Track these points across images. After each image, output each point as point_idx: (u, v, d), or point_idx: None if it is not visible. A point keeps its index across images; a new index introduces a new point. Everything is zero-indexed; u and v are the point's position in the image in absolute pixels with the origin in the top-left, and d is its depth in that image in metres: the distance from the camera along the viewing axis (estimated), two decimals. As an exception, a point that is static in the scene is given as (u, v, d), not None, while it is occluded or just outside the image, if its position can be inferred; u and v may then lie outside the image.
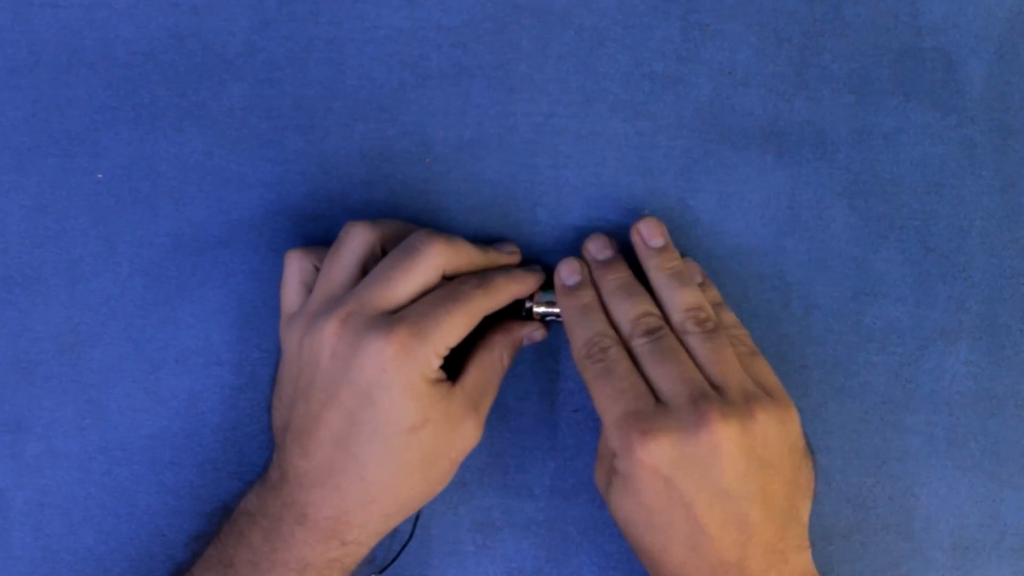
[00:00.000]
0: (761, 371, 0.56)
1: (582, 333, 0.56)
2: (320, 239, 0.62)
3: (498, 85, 0.62)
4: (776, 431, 0.53)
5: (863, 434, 0.63)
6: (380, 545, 0.62)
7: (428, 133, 0.62)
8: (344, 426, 0.53)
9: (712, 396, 0.52)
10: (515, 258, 0.60)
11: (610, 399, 0.53)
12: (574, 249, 0.62)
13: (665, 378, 0.53)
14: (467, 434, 0.55)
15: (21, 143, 0.62)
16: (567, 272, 0.59)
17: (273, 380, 0.60)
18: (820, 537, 0.63)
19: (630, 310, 0.56)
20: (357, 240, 0.56)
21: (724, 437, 0.51)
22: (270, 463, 0.57)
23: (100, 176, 0.62)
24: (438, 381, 0.54)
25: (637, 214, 0.62)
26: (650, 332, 0.55)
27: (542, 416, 0.63)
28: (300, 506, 0.54)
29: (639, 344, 0.55)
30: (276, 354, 0.63)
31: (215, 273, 0.62)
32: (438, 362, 0.53)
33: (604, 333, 0.56)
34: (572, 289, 0.58)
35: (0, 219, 0.63)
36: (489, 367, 0.57)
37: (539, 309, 0.60)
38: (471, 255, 0.57)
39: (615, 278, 0.58)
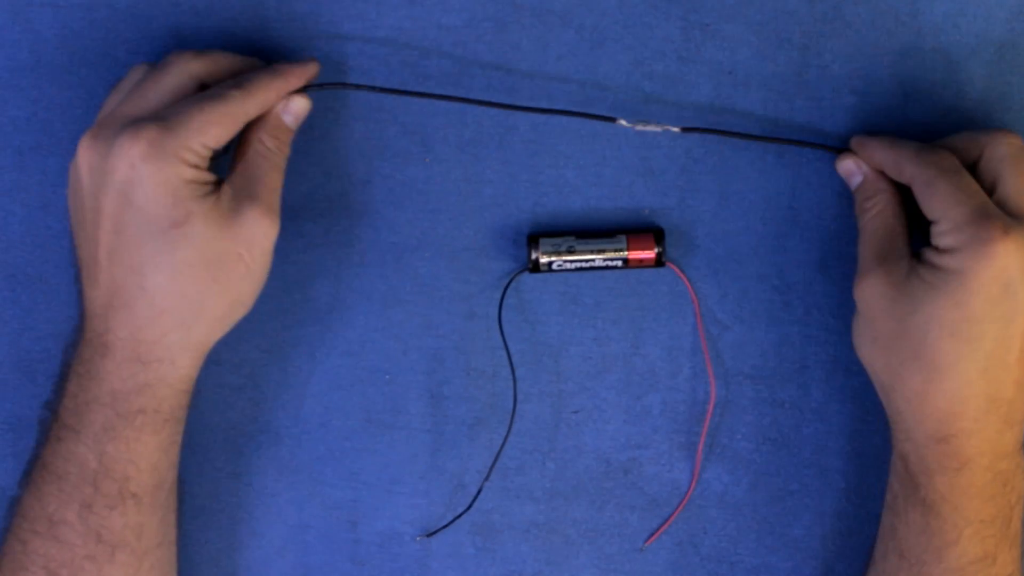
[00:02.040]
0: None
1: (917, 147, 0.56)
2: (320, 239, 0.62)
3: (498, 85, 0.62)
4: None
5: (863, 434, 0.63)
6: (433, 510, 0.62)
7: (428, 133, 0.62)
8: (113, 237, 0.51)
9: None
10: (306, 70, 0.58)
11: (966, 193, 0.52)
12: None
13: (1019, 191, 0.53)
14: (252, 228, 0.53)
15: (22, 143, 0.62)
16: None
17: None
18: (822, 537, 0.63)
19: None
20: (175, 68, 0.55)
21: None
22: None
23: (101, 176, 0.63)
24: (199, 180, 0.52)
25: (637, 214, 0.62)
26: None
27: (542, 417, 0.63)
28: (100, 336, 0.53)
29: (998, 154, 0.54)
30: (275, 354, 0.63)
31: (215, 273, 0.62)
32: (194, 158, 0.52)
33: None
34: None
35: (2, 218, 0.63)
36: (254, 158, 0.55)
37: (545, 259, 0.60)
38: (231, 62, 0.57)
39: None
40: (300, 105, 0.57)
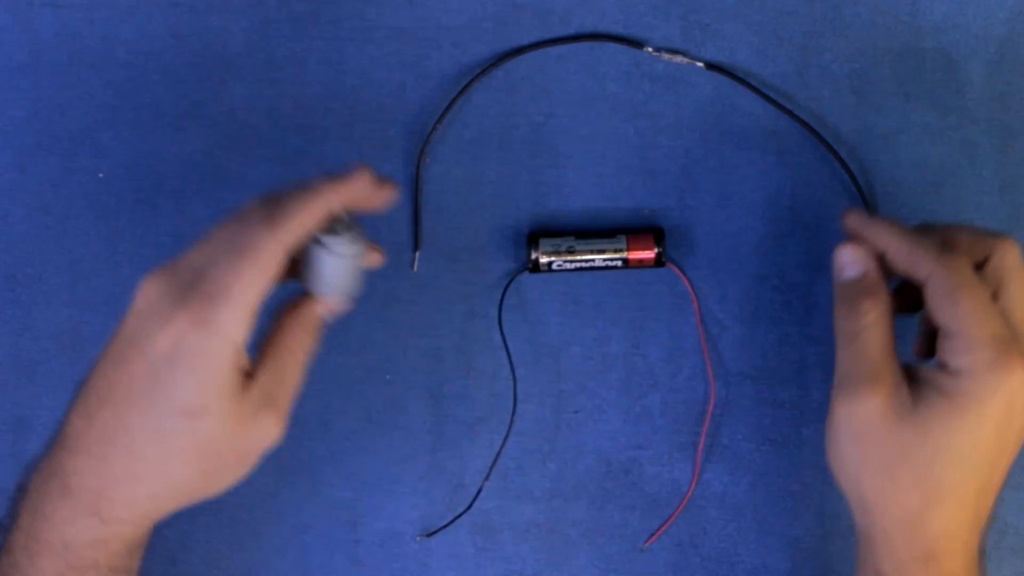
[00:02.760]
0: None
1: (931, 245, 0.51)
2: (320, 239, 0.62)
3: (498, 85, 0.62)
4: None
5: (863, 434, 0.63)
6: (433, 510, 0.62)
7: (428, 132, 0.62)
8: (123, 391, 0.48)
9: None
10: (336, 185, 0.51)
11: (990, 311, 0.49)
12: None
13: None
14: (260, 433, 0.49)
15: (22, 143, 0.62)
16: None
17: None
18: (821, 537, 0.63)
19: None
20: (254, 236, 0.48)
21: None
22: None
23: (101, 175, 0.63)
24: (237, 367, 0.48)
25: (637, 214, 0.62)
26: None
27: (542, 417, 0.63)
28: (65, 475, 0.48)
29: (1007, 263, 0.51)
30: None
31: (215, 273, 0.62)
32: (243, 331, 0.47)
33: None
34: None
35: (2, 218, 0.63)
36: (286, 355, 0.50)
37: (545, 259, 0.60)
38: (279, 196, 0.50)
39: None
40: (341, 308, 0.52)
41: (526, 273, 0.62)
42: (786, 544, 0.63)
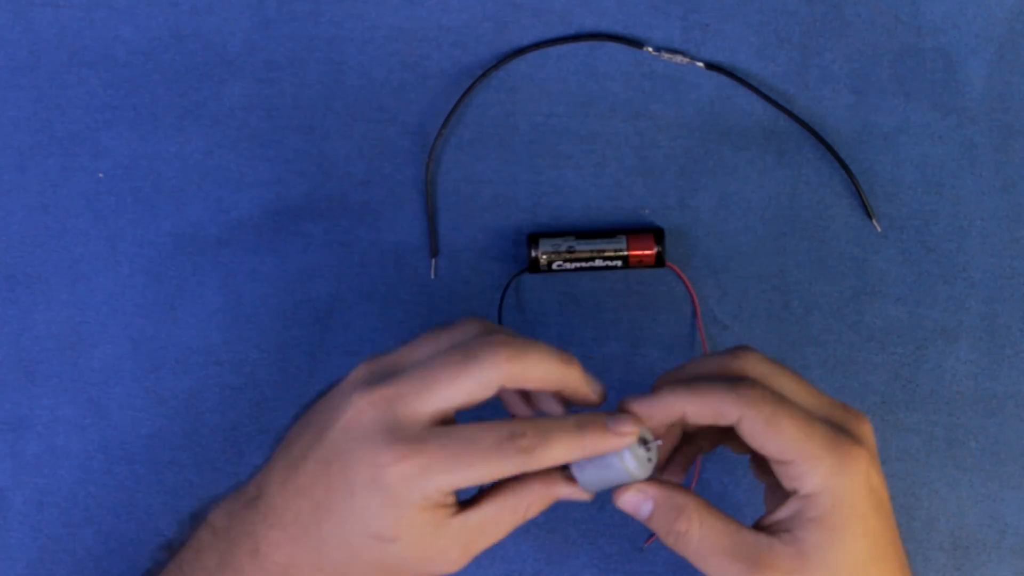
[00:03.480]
0: None
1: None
2: (320, 239, 0.62)
3: (498, 84, 0.62)
4: None
5: (863, 434, 0.63)
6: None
7: (428, 132, 0.62)
8: (321, 493, 0.48)
9: None
10: (588, 385, 0.50)
11: (807, 420, 0.48)
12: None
13: (814, 397, 0.50)
14: (443, 562, 0.49)
15: (22, 143, 0.62)
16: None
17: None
18: (820, 537, 0.63)
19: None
20: (486, 368, 0.48)
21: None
22: (254, 474, 0.53)
23: (101, 175, 0.63)
24: (433, 507, 0.47)
25: (637, 214, 0.62)
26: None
27: (542, 416, 0.63)
28: (257, 539, 0.50)
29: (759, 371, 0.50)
30: (275, 354, 0.63)
31: (215, 273, 0.62)
32: (446, 497, 0.47)
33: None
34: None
35: (1, 218, 0.63)
36: (509, 512, 0.50)
37: (545, 259, 0.60)
38: (545, 373, 0.49)
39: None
40: (580, 499, 0.51)
41: (526, 273, 0.62)
42: (786, 544, 0.63)
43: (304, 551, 0.49)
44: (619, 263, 0.61)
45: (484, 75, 0.61)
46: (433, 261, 0.62)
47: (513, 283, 0.62)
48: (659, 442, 0.50)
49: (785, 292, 0.62)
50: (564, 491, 0.50)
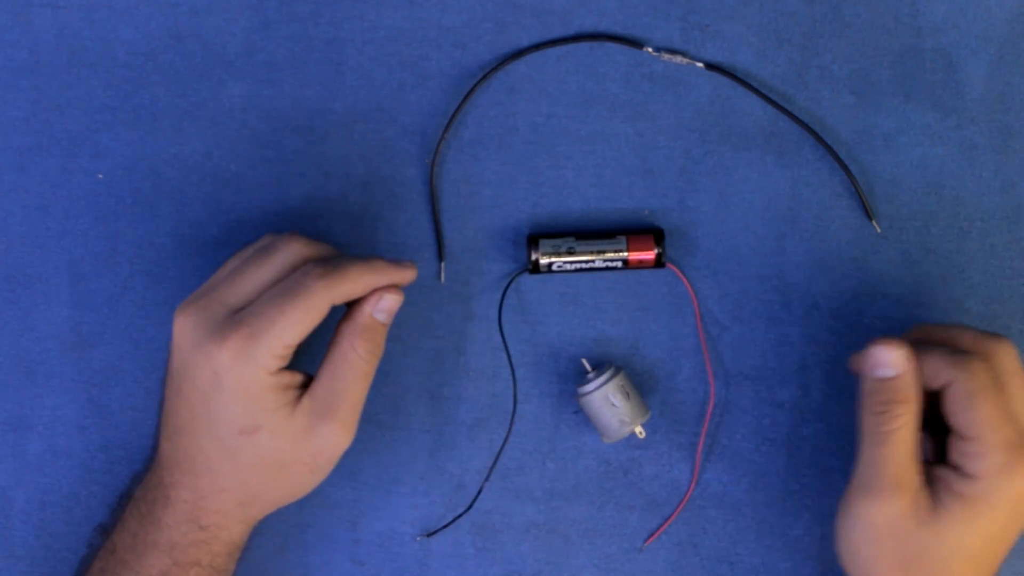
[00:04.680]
0: None
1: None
2: (320, 239, 0.62)
3: (498, 85, 0.62)
4: None
5: (863, 434, 0.63)
6: (433, 510, 0.62)
7: (428, 133, 0.62)
8: (188, 418, 0.53)
9: None
10: (401, 271, 0.56)
11: (1006, 416, 0.52)
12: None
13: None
14: (323, 442, 0.54)
15: (22, 143, 0.62)
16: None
17: None
18: (822, 537, 0.63)
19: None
20: (282, 256, 0.55)
21: None
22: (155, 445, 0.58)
23: (101, 176, 0.63)
24: (279, 387, 0.53)
25: (637, 215, 0.62)
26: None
27: (541, 418, 0.63)
28: (165, 487, 0.55)
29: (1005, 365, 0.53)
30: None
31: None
32: (277, 363, 0.52)
33: None
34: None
35: (1, 219, 0.63)
36: (341, 365, 0.54)
37: (545, 260, 0.60)
38: (364, 286, 0.55)
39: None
40: (393, 302, 0.55)
41: (526, 274, 0.62)
42: (786, 544, 0.63)
43: (201, 480, 0.54)
44: (619, 264, 0.61)
45: (485, 77, 0.61)
46: (442, 265, 0.62)
47: (513, 284, 0.62)
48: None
49: (785, 292, 0.62)
50: (365, 311, 0.55)
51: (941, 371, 0.52)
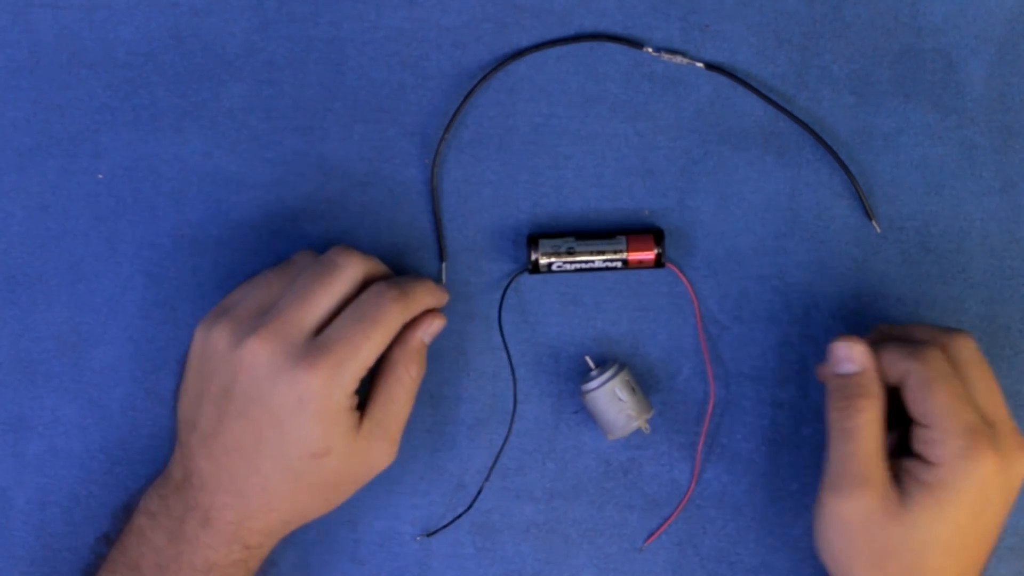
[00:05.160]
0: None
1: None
2: (320, 239, 0.62)
3: (498, 85, 0.62)
4: None
5: (863, 434, 0.63)
6: (433, 510, 0.62)
7: (428, 133, 0.62)
8: (250, 440, 0.53)
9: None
10: (445, 293, 0.60)
11: (962, 402, 0.52)
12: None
13: (993, 400, 0.53)
14: (375, 461, 0.56)
15: (22, 143, 0.62)
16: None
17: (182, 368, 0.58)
18: (819, 537, 0.63)
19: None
20: (346, 275, 0.56)
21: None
22: (171, 460, 0.57)
23: (101, 177, 0.63)
24: (348, 409, 0.54)
25: (637, 215, 0.62)
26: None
27: (541, 418, 0.63)
28: (203, 509, 0.54)
29: (963, 356, 0.54)
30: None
31: (215, 273, 0.62)
32: (355, 386, 0.54)
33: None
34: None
35: (1, 219, 0.63)
36: (396, 388, 0.57)
37: (545, 260, 0.60)
38: (425, 307, 0.58)
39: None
40: (440, 327, 0.58)
41: (526, 274, 0.62)
42: (785, 544, 0.63)
43: (252, 501, 0.54)
44: (619, 264, 0.61)
45: (485, 77, 0.61)
46: (442, 265, 0.62)
47: (513, 284, 0.62)
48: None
49: (785, 292, 0.62)
50: (416, 335, 0.57)
51: (898, 362, 0.53)
